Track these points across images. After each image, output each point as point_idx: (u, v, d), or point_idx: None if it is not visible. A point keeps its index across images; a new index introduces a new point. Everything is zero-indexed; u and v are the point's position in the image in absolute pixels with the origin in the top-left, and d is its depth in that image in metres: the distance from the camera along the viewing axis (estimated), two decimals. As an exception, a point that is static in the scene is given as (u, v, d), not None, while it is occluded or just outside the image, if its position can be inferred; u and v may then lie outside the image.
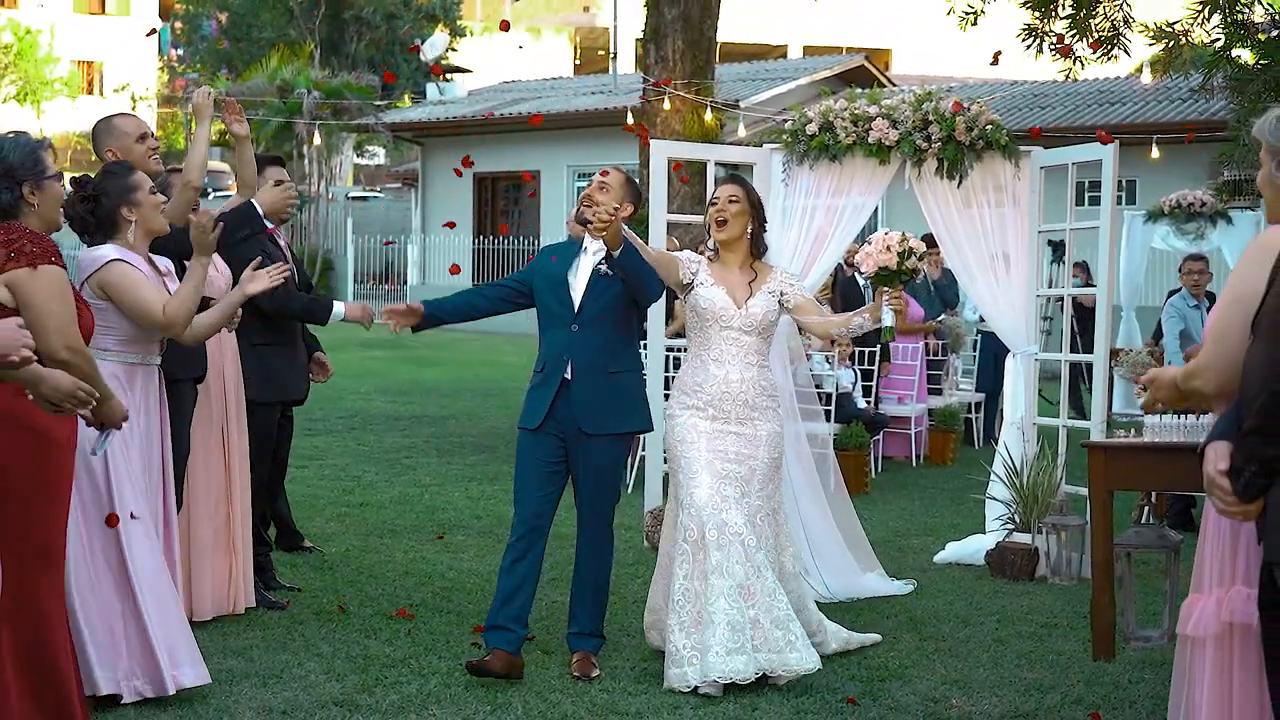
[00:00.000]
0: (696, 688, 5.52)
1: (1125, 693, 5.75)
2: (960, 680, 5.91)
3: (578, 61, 48.38)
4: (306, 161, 31.80)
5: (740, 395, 5.89)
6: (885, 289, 5.92)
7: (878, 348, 12.15)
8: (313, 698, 5.44)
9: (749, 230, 6.06)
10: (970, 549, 8.35)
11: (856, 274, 12.97)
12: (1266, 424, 3.12)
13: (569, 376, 5.81)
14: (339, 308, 6.88)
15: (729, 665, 5.50)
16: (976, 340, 13.87)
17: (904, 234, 5.98)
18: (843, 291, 12.64)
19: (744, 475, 5.84)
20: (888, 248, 5.92)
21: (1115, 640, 6.28)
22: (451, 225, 14.77)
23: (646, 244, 7.90)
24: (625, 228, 5.68)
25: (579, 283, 5.91)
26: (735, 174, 6.38)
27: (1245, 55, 9.31)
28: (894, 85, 27.93)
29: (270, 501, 7.44)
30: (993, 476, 8.44)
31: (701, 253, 6.23)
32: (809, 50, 40.46)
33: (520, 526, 5.87)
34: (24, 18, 45.94)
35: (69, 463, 4.60)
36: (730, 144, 15.67)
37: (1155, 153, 14.26)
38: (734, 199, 6.02)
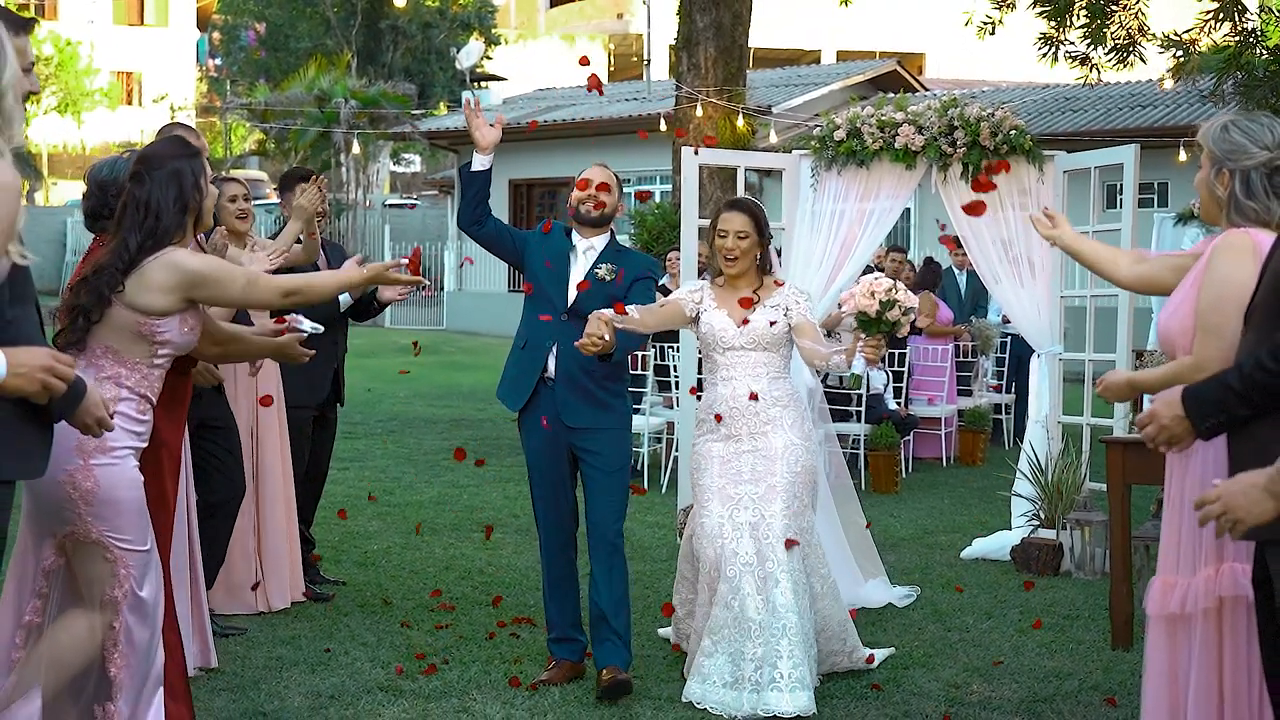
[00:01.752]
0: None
1: (1142, 680, 5.91)
2: (982, 668, 6.10)
3: (612, 68, 48.60)
4: (344, 170, 32.16)
5: (750, 409, 5.70)
6: (863, 335, 5.65)
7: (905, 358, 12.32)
8: (358, 683, 5.69)
9: (756, 256, 5.85)
10: (996, 545, 8.54)
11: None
12: (1249, 389, 3.33)
13: (551, 373, 5.77)
14: (345, 295, 7.15)
15: (724, 698, 5.45)
16: (1007, 342, 14.00)
17: (894, 284, 5.62)
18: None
19: (761, 495, 5.63)
20: (871, 294, 5.56)
21: (1134, 630, 6.48)
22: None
23: (678, 251, 8.06)
24: (619, 316, 5.45)
25: (574, 279, 5.86)
26: (740, 200, 6.00)
27: (1264, 53, 9.43)
28: (926, 89, 28.03)
29: (305, 502, 7.52)
30: (1018, 474, 8.62)
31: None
32: (842, 55, 40.57)
33: (549, 542, 5.94)
34: (64, 29, 46.52)
35: (178, 469, 4.94)
36: (761, 150, 15.84)
37: (1182, 155, 14.38)
38: (743, 234, 5.77)
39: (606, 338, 5.36)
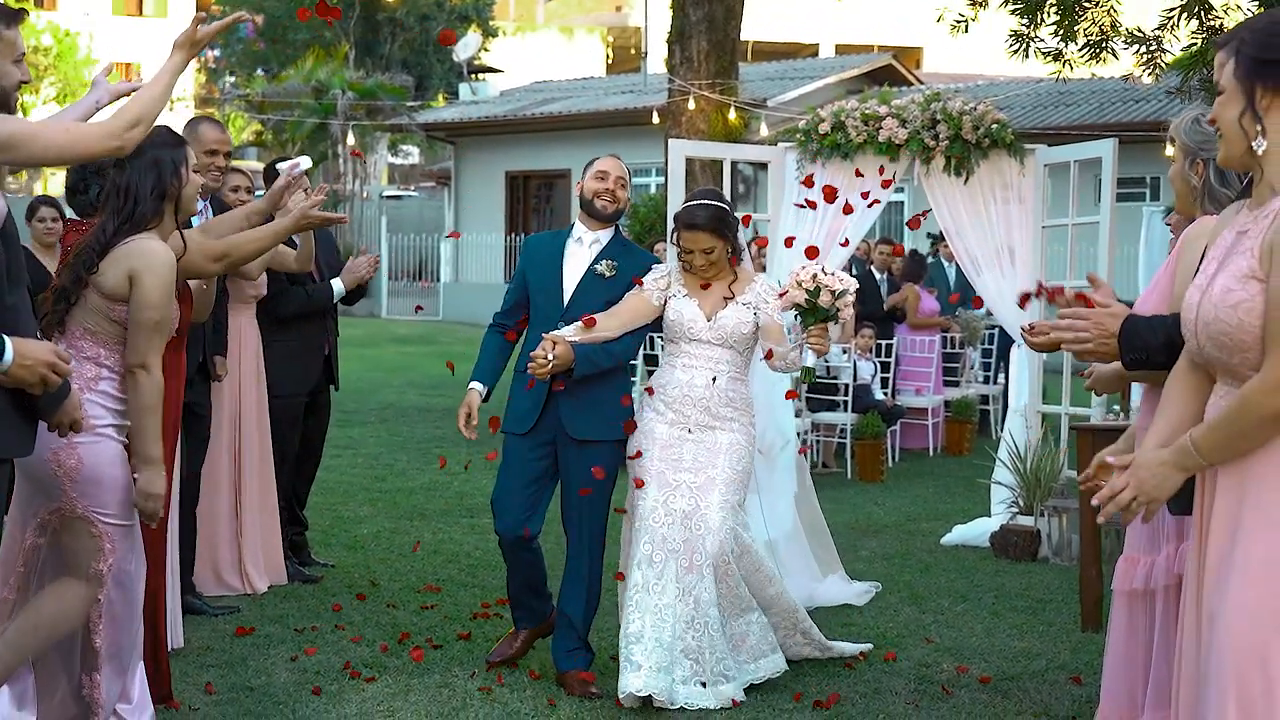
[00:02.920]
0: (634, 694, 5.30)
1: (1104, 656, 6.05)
2: (953, 648, 6.25)
3: (610, 61, 48.69)
4: (341, 161, 32.28)
5: (702, 401, 5.57)
6: (809, 328, 5.51)
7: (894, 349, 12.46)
8: (343, 659, 5.84)
9: (729, 252, 5.67)
10: (976, 531, 8.69)
11: (873, 270, 13.33)
12: (1165, 339, 3.48)
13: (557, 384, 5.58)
14: (338, 285, 7.35)
15: (660, 682, 5.29)
16: (994, 333, 14.13)
17: (822, 269, 5.52)
18: (860, 287, 12.89)
19: (700, 485, 5.50)
20: (798, 283, 5.48)
21: (1103, 612, 6.62)
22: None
23: (664, 242, 8.13)
24: (567, 342, 5.44)
25: (570, 278, 5.75)
26: (696, 218, 5.59)
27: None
28: (921, 84, 28.17)
29: (299, 484, 7.69)
30: (998, 462, 8.76)
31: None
32: (840, 49, 40.65)
33: (504, 541, 5.76)
34: (63, 20, 46.61)
35: (173, 443, 5.20)
36: (747, 143, 15.97)
37: (1169, 150, 14.48)
38: (709, 250, 5.59)
39: (550, 355, 5.34)
